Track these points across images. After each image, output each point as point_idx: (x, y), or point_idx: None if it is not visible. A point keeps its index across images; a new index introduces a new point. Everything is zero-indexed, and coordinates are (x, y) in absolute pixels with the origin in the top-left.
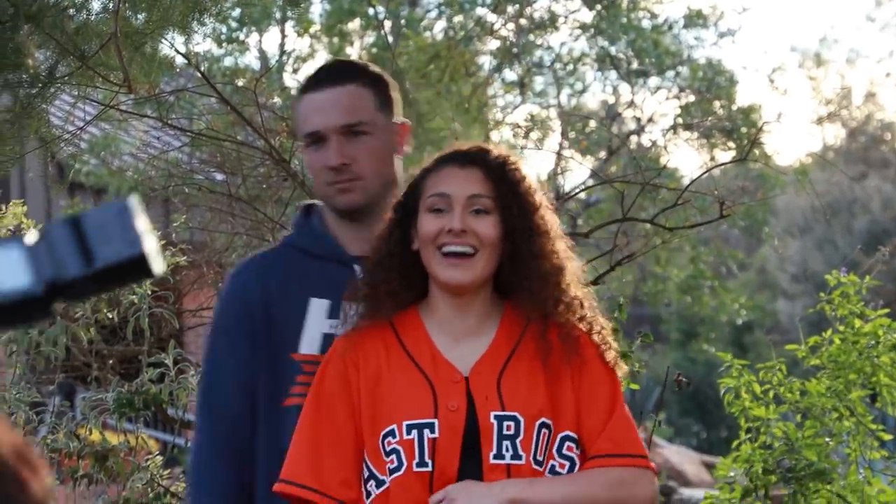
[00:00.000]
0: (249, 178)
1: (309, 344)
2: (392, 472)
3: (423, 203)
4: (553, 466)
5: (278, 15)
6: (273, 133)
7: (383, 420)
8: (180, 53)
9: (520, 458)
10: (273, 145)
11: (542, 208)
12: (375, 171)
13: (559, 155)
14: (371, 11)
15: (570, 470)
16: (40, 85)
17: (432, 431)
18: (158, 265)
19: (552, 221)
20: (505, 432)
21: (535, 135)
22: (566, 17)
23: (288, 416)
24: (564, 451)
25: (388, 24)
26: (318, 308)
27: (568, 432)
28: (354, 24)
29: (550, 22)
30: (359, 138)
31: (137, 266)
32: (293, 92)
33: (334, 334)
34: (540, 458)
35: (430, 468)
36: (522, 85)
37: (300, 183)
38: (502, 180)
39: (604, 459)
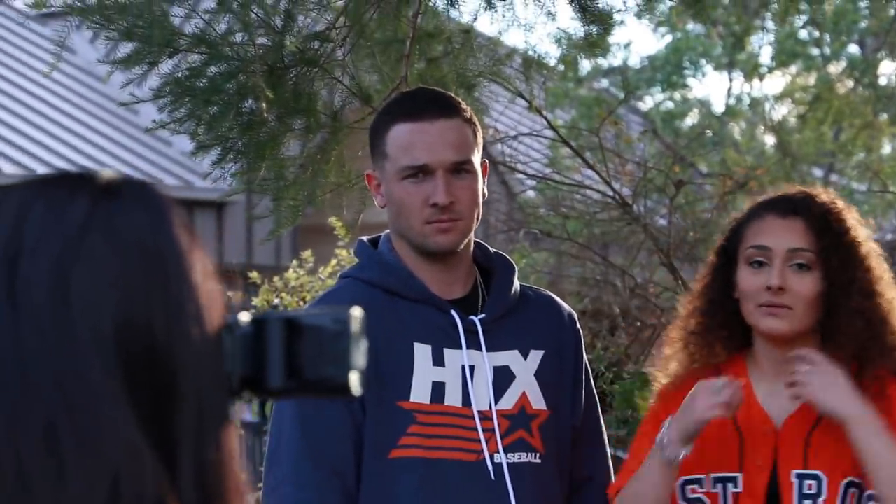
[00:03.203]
0: (593, 223)
1: (419, 392)
2: None
3: (742, 252)
4: None
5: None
6: (616, 177)
7: (688, 465)
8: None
9: None
10: (616, 189)
11: (868, 259)
12: (473, 213)
13: None
14: (815, 51)
15: None
16: (329, 129)
17: (735, 486)
18: (357, 388)
19: (879, 271)
20: (805, 491)
21: None
22: None
23: (395, 469)
24: None
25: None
26: (422, 354)
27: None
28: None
29: None
30: (462, 177)
31: (339, 389)
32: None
33: (443, 382)
34: None
35: None
36: None
37: (643, 226)
38: (826, 232)
39: None
